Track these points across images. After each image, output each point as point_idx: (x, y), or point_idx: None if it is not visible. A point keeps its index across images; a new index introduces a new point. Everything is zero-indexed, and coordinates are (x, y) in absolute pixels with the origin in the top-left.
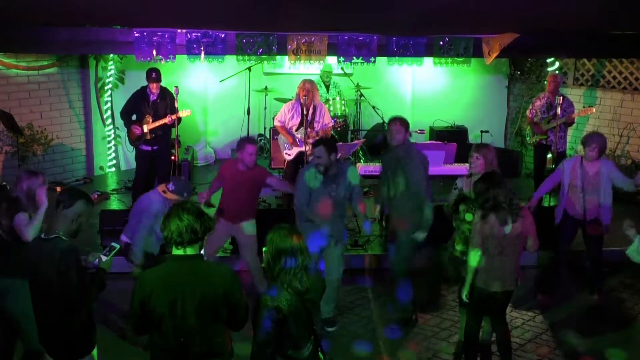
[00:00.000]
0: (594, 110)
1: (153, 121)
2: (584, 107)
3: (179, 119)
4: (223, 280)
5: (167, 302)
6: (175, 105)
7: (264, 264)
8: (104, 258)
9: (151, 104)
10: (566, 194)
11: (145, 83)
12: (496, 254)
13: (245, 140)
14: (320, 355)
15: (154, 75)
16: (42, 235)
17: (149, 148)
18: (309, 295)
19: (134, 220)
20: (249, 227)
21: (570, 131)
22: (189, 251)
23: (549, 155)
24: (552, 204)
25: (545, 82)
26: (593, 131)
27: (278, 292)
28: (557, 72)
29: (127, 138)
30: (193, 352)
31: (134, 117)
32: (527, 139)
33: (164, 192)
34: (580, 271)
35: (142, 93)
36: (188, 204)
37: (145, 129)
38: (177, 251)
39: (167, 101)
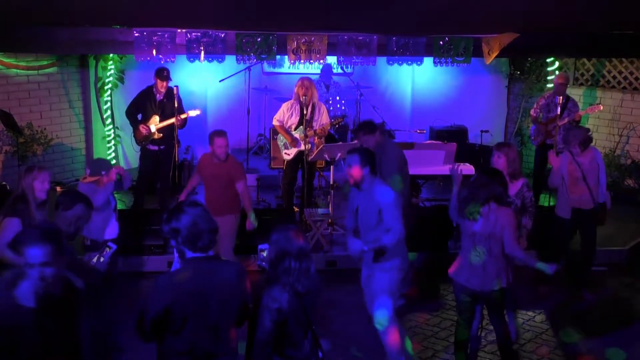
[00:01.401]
0: (602, 107)
1: (161, 120)
2: (589, 106)
3: (185, 120)
4: (239, 279)
5: (192, 305)
6: (181, 105)
7: (265, 262)
8: (101, 259)
9: (158, 103)
10: (568, 188)
11: (149, 83)
12: (470, 251)
13: (214, 134)
14: (320, 353)
15: (165, 73)
16: None
17: (156, 148)
18: (309, 297)
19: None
20: (229, 221)
21: None
22: (209, 252)
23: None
24: (551, 203)
25: (545, 82)
26: (575, 127)
27: (279, 293)
28: (563, 71)
29: (133, 137)
30: (211, 353)
31: (138, 117)
32: (533, 138)
33: (84, 178)
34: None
35: (148, 92)
36: (198, 202)
37: (153, 128)
38: (194, 253)
39: (173, 101)
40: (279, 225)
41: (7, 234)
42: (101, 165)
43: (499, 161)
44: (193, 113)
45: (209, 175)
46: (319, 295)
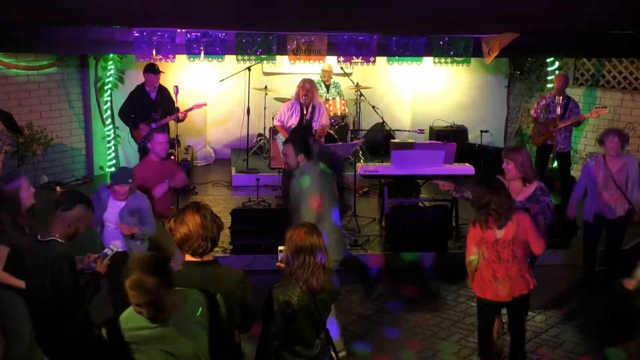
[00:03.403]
0: (607, 110)
1: (161, 118)
2: (594, 107)
3: (184, 116)
4: (239, 284)
5: None
6: (174, 101)
7: (282, 262)
8: (100, 261)
9: (154, 101)
10: (593, 193)
11: (140, 82)
12: (493, 260)
13: (154, 130)
14: (332, 354)
15: (157, 67)
16: (39, 237)
17: None
18: (322, 295)
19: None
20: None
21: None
22: (205, 257)
23: (551, 156)
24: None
25: (545, 82)
26: (610, 128)
27: (291, 287)
28: (563, 71)
29: (131, 137)
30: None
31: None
32: (533, 138)
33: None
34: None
35: (141, 92)
36: (205, 207)
37: (154, 126)
38: (191, 257)
39: (167, 97)
40: (295, 224)
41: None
42: (113, 176)
43: (509, 167)
44: (199, 106)
45: (152, 179)
46: (335, 297)
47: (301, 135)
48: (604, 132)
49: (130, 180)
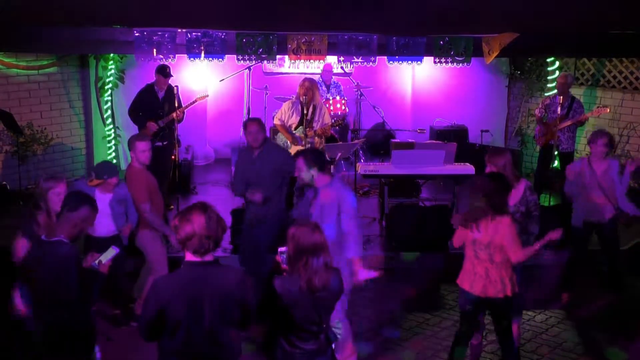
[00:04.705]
0: (609, 110)
1: (166, 116)
2: (595, 107)
3: (181, 117)
4: (238, 284)
5: (186, 309)
6: (181, 100)
7: (284, 262)
8: (103, 260)
9: (161, 100)
10: (579, 198)
11: (149, 82)
12: (471, 256)
13: (135, 138)
14: (331, 352)
15: (168, 70)
16: (43, 237)
17: (160, 143)
18: (322, 294)
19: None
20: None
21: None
22: (207, 257)
23: (556, 153)
24: (552, 203)
25: (545, 81)
26: (599, 129)
27: (290, 282)
28: (564, 71)
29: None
30: (206, 355)
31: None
32: (537, 138)
33: (91, 181)
34: (596, 272)
35: (150, 91)
36: (209, 208)
37: (162, 124)
38: (192, 257)
39: (173, 97)
40: (297, 221)
41: (18, 254)
42: (104, 170)
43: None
44: (202, 98)
45: (152, 186)
46: (337, 296)
47: (312, 148)
48: (594, 133)
49: (117, 171)
